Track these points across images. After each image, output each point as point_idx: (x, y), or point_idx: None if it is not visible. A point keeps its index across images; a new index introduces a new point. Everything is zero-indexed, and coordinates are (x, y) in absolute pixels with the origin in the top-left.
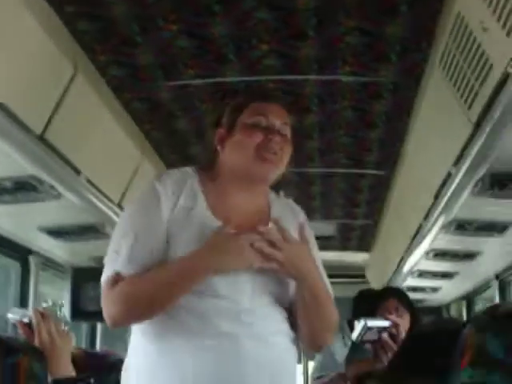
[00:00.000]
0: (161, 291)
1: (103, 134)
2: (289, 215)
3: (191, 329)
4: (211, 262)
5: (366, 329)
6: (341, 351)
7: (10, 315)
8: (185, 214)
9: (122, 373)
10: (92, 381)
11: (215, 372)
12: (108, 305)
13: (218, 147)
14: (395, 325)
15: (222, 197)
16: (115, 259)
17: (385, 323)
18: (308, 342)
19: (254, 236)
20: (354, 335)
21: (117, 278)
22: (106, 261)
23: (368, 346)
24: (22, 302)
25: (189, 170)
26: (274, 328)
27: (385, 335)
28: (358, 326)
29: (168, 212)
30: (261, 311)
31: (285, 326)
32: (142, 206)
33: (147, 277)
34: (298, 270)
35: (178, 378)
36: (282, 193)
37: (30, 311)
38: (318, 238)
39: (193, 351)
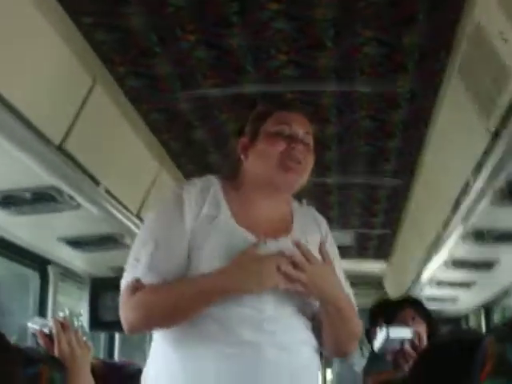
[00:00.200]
0: (183, 303)
1: (122, 144)
2: (312, 224)
3: (213, 337)
4: (237, 282)
5: (388, 338)
6: (359, 361)
7: (30, 324)
8: (208, 223)
9: (142, 381)
10: None
11: (237, 380)
12: (126, 311)
13: (242, 156)
14: (418, 334)
15: (246, 205)
16: (135, 266)
17: (407, 333)
18: (332, 351)
19: (280, 258)
20: (376, 344)
21: (137, 285)
22: (126, 268)
23: (389, 355)
24: (41, 312)
25: (211, 178)
26: (297, 337)
27: (407, 344)
28: (380, 335)
29: (191, 222)
30: (284, 320)
31: (308, 335)
32: (164, 215)
33: (170, 287)
34: (320, 291)
35: None
36: (304, 201)
37: (50, 321)
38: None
39: (215, 359)
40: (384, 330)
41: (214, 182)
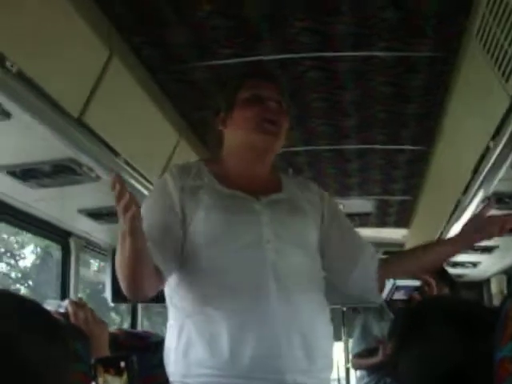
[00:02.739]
0: (121, 259)
1: (140, 115)
2: (303, 186)
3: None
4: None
5: (396, 288)
6: (378, 327)
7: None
8: (195, 192)
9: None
10: (134, 358)
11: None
12: None
13: (222, 128)
14: (428, 284)
15: (231, 173)
16: None
17: (415, 282)
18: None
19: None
20: (384, 294)
21: None
22: None
23: (399, 304)
24: (63, 285)
25: (194, 161)
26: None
27: (415, 294)
28: (388, 284)
29: (178, 192)
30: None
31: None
32: (154, 194)
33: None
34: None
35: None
36: (290, 171)
37: (65, 301)
38: (355, 215)
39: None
40: (391, 279)
41: (196, 163)
